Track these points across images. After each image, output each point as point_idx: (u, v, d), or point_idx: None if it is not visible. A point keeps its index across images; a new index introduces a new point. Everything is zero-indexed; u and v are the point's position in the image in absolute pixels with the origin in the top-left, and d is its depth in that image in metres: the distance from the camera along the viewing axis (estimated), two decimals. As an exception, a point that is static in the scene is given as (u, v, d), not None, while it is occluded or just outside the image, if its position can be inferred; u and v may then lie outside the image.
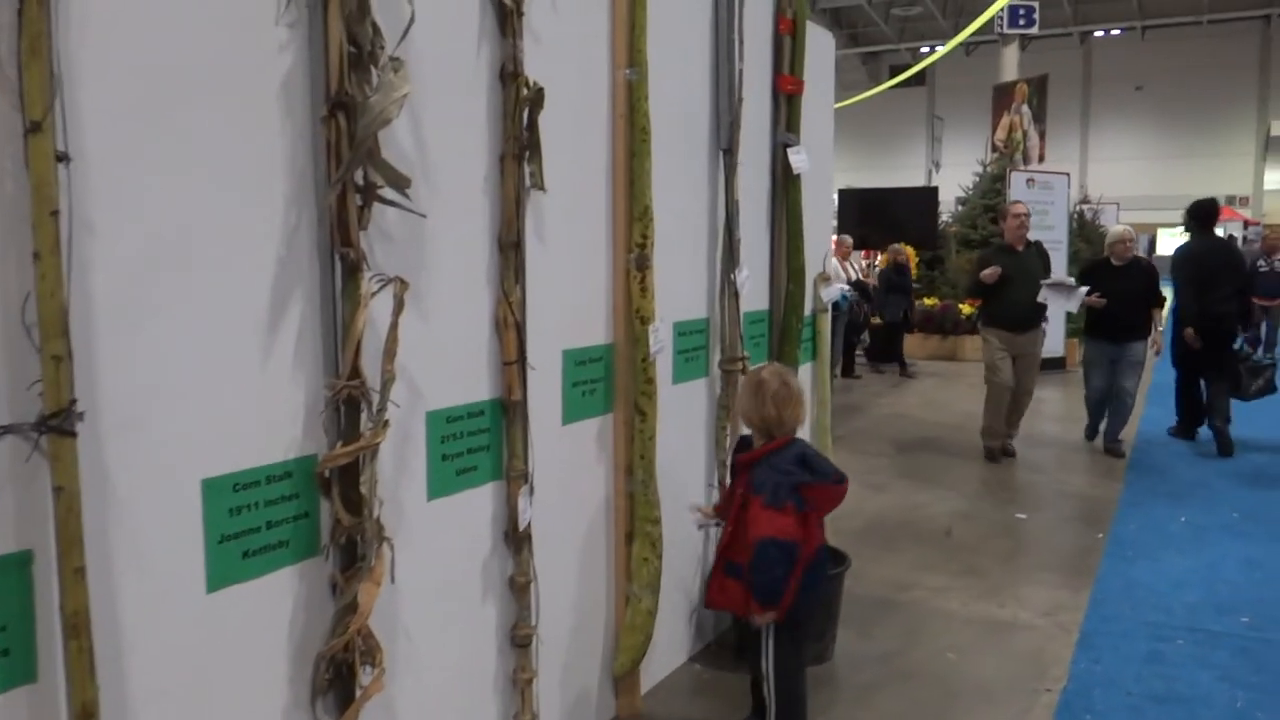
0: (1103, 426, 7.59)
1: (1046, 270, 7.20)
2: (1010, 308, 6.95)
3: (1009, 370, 7.07)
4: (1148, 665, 3.77)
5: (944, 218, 14.72)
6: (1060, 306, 7.29)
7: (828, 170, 4.72)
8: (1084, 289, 7.00)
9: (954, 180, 15.70)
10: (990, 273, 6.91)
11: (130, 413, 1.73)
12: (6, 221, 1.52)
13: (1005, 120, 14.75)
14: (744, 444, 3.12)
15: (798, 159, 4.00)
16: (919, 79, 31.98)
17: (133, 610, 1.76)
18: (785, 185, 4.06)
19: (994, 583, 4.68)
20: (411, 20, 2.04)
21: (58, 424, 1.54)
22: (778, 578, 2.83)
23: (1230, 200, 34.17)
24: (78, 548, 1.59)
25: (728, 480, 3.81)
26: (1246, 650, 3.89)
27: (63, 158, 1.53)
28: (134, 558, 1.75)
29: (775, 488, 2.86)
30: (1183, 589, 4.56)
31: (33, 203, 1.49)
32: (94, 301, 1.65)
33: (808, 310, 4.38)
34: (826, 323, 4.64)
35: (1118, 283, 7.04)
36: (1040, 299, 6.95)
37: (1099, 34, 34.87)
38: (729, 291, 3.67)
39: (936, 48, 27.22)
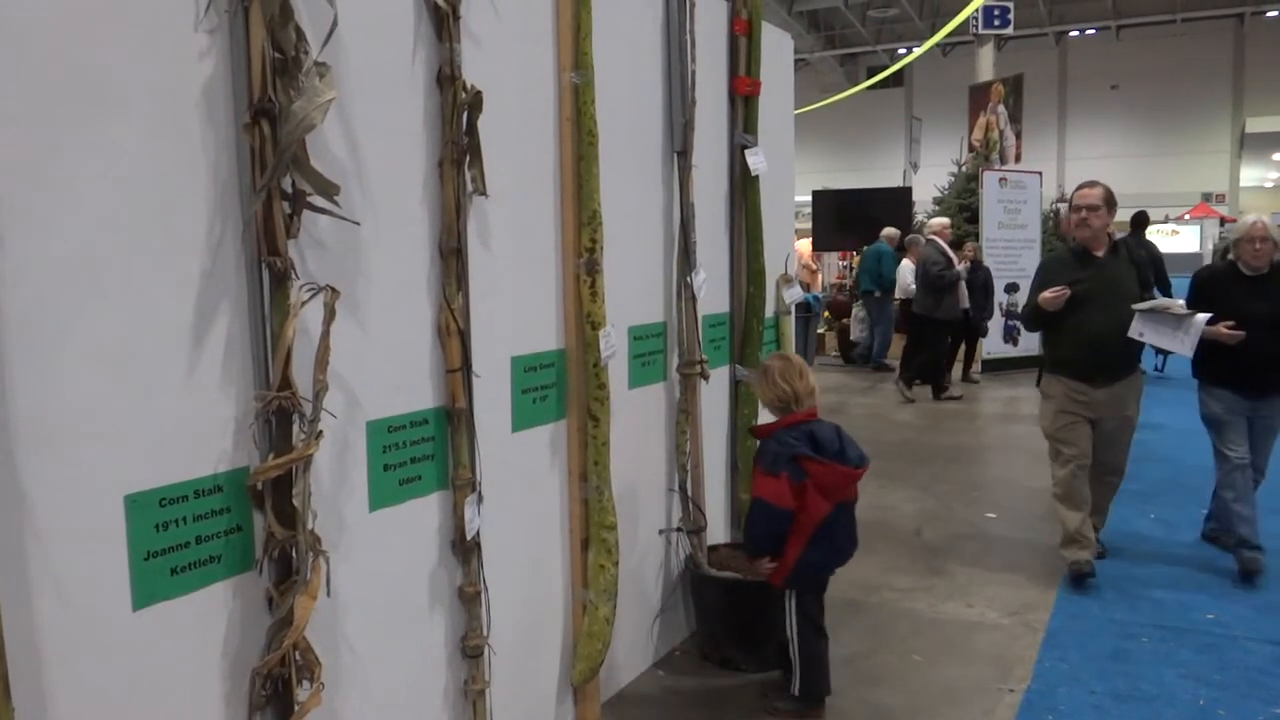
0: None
1: (1144, 284, 4.67)
2: (1088, 345, 4.50)
3: (1084, 445, 4.61)
4: (1113, 663, 3.77)
5: (920, 218, 14.76)
6: (1167, 344, 4.51)
7: (789, 172, 4.71)
8: (1202, 316, 4.40)
9: (932, 181, 15.75)
10: (1053, 296, 4.46)
11: (45, 429, 1.69)
12: (-93, 235, 1.49)
13: (982, 120, 14.78)
14: None
15: (755, 160, 3.99)
16: (896, 80, 32.12)
17: (52, 630, 1.72)
18: (744, 187, 4.05)
19: (962, 583, 4.67)
20: (334, 25, 2.01)
21: (-38, 441, 1.50)
22: (760, 535, 3.25)
23: (1207, 197, 34.44)
24: (-13, 568, 1.55)
25: (689, 485, 3.80)
26: (1211, 647, 3.88)
27: (-37, 169, 1.50)
28: (52, 576, 1.71)
29: (774, 457, 3.21)
30: (1150, 586, 4.56)
31: (-69, 216, 1.46)
32: (4, 316, 1.61)
33: (769, 312, 4.37)
34: (790, 325, 4.63)
35: (1254, 301, 4.49)
36: (1134, 333, 4.45)
37: (1074, 34, 35.09)
38: (686, 295, 3.65)
39: (913, 49, 27.34)
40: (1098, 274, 4.53)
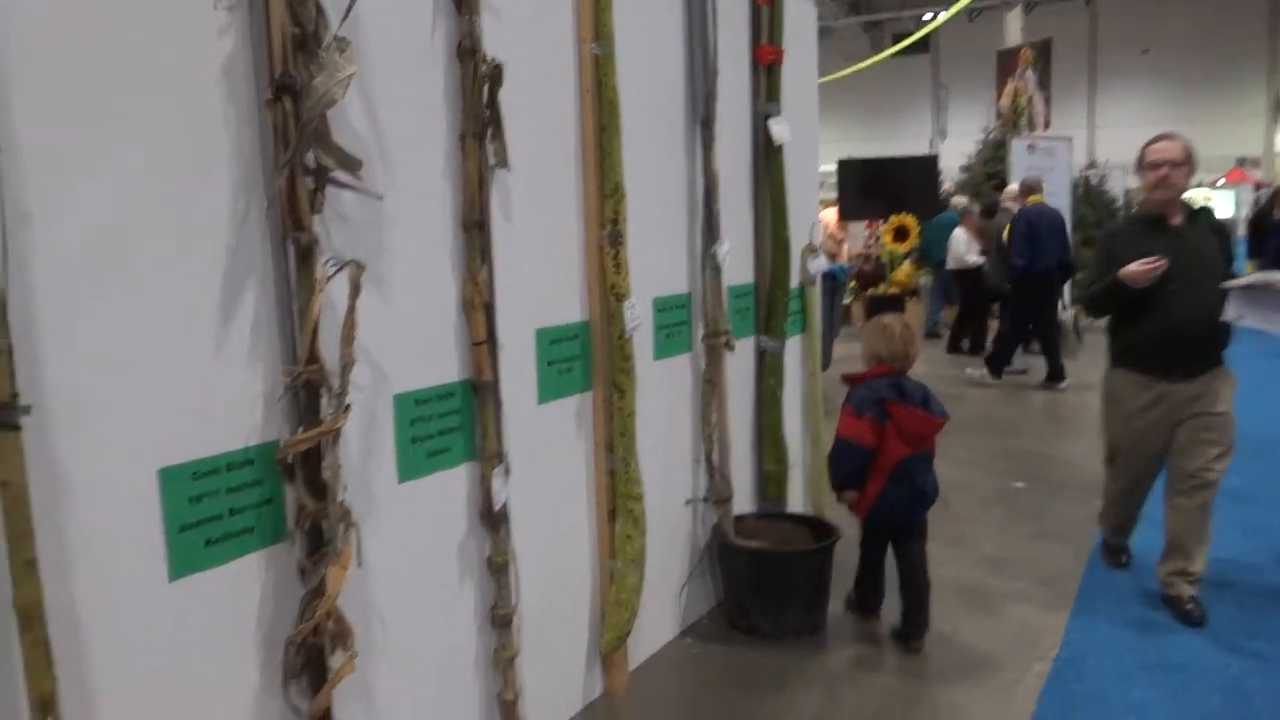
0: None
1: (1228, 258, 3.92)
2: (1166, 332, 3.76)
3: (1145, 466, 4.02)
4: (1142, 633, 3.75)
5: (947, 186, 14.60)
6: (1269, 325, 3.68)
7: (813, 140, 4.67)
8: None
9: (959, 149, 15.60)
10: (1146, 268, 3.64)
11: (79, 405, 1.72)
12: (-60, 214, 1.51)
13: (1010, 86, 14.59)
14: None
15: (779, 130, 3.96)
16: (922, 46, 31.62)
17: (91, 601, 1.76)
18: (767, 157, 4.03)
19: (989, 552, 4.66)
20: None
21: (-1, 418, 1.54)
22: (842, 469, 3.60)
23: (1241, 162, 33.82)
24: (27, 541, 1.58)
25: (714, 455, 3.81)
26: (1242, 618, 3.86)
27: (-7, 149, 1.52)
28: (90, 549, 1.75)
29: (861, 401, 3.54)
30: (1180, 554, 4.53)
31: (-37, 195, 1.48)
32: (35, 294, 1.64)
33: (794, 283, 4.35)
34: (815, 295, 4.61)
35: None
36: (1230, 316, 3.70)
37: (1105, -4, 34.44)
38: (709, 265, 3.65)
39: (939, 14, 26.95)
40: (1176, 246, 3.73)
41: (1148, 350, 3.84)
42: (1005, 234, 9.07)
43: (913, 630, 3.67)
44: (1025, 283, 8.58)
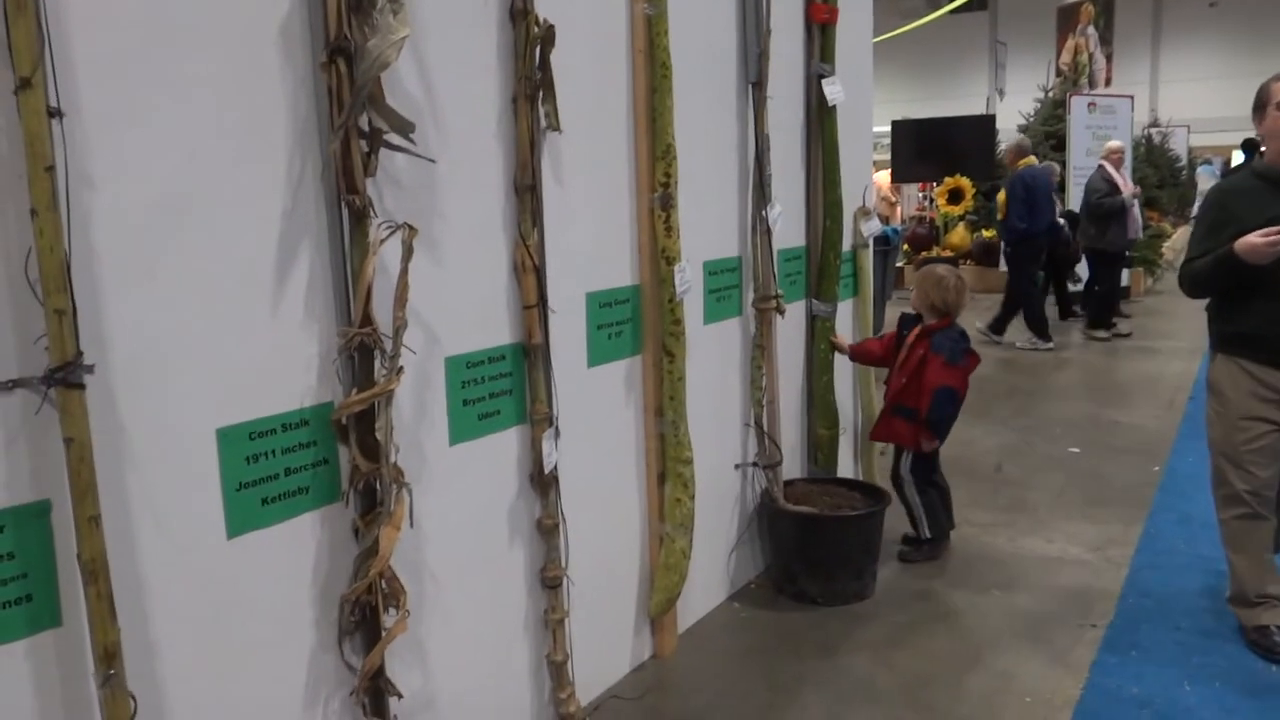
0: None
1: None
2: None
3: (1269, 471, 3.22)
4: (1199, 600, 3.69)
5: (1003, 146, 14.28)
6: None
7: (867, 101, 4.59)
8: None
9: (1017, 108, 15.21)
10: (1266, 239, 2.94)
11: (140, 365, 1.75)
12: (5, 178, 1.54)
13: (1070, 43, 14.19)
14: (912, 320, 4.10)
15: (832, 90, 3.90)
16: (980, 3, 30.89)
17: (152, 556, 1.80)
18: (820, 118, 3.97)
19: (1043, 518, 4.60)
20: (406, -40, 2.00)
21: (63, 376, 1.57)
22: (949, 416, 4.00)
23: (1313, 120, 32.58)
24: (91, 496, 1.62)
25: (764, 420, 3.79)
26: (1305, 585, 3.77)
27: (55, 113, 1.53)
28: (151, 506, 1.79)
29: (953, 351, 3.96)
30: (1240, 523, 4.44)
31: (27, 159, 1.50)
32: (97, 256, 1.67)
33: (846, 246, 4.29)
34: (867, 258, 4.55)
35: None
36: None
37: (1171, -52, 33.28)
38: (761, 228, 3.61)
39: (998, -31, 26.25)
40: None
41: (1266, 336, 3.15)
42: (1000, 198, 9.35)
43: (944, 536, 4.22)
44: (1023, 245, 8.92)
